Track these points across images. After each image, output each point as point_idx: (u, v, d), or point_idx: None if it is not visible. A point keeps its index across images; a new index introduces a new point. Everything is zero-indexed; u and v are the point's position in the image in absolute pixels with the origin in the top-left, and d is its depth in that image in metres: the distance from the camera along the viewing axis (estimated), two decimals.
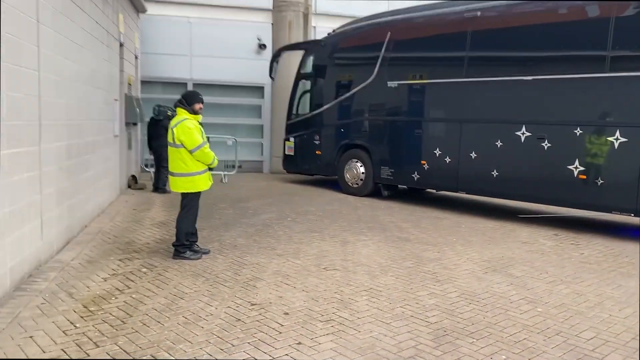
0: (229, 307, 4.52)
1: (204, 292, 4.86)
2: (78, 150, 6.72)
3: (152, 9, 13.39)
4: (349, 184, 11.55)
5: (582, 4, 8.13)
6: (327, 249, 6.72)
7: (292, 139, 12.57)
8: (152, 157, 11.07)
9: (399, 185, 11.20)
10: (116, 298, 4.63)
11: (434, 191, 11.73)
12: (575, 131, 7.96)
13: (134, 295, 4.70)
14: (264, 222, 8.21)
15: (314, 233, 7.61)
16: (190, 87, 14.80)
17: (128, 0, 10.87)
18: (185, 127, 5.74)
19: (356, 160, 11.37)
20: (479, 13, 9.23)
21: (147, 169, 12.54)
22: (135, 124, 11.47)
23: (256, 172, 15.41)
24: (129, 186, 10.88)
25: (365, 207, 10.06)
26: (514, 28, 8.88)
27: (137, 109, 10.80)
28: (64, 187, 6.10)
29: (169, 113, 9.71)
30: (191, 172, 5.85)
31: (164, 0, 14.16)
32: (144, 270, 5.50)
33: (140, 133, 12.65)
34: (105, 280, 5.10)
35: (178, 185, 5.93)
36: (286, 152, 12.79)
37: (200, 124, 6.04)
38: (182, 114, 5.88)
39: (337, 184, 11.94)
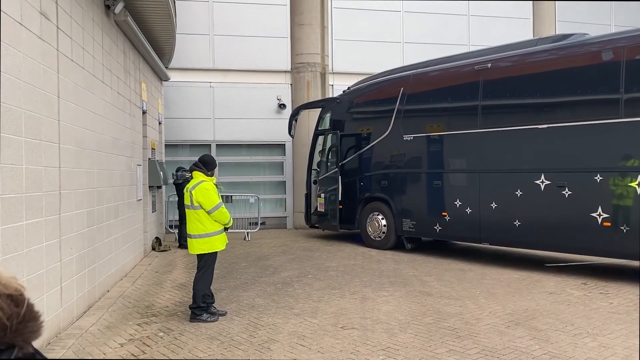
0: None
1: (218, 356, 4.83)
2: (99, 216, 6.92)
3: (175, 76, 13.99)
4: (372, 237, 11.49)
5: (590, 50, 8.19)
6: (346, 306, 6.63)
7: (322, 195, 12.55)
8: (176, 218, 11.37)
9: (423, 237, 11.09)
10: None
11: (459, 242, 11.56)
12: (595, 178, 7.83)
13: None
14: (284, 280, 8.18)
15: (334, 290, 7.54)
16: (213, 148, 15.22)
17: (151, 69, 11.40)
18: (204, 189, 5.92)
19: (377, 213, 11.36)
20: (489, 65, 9.37)
21: (171, 230, 12.75)
22: (159, 187, 11.77)
23: (280, 228, 15.48)
24: (153, 248, 11.04)
25: (388, 261, 9.95)
26: (524, 77, 8.96)
27: (161, 172, 11.10)
28: (85, 253, 6.25)
29: (188, 175, 9.99)
30: (209, 232, 5.96)
31: (187, 67, 14.80)
32: (161, 334, 5.52)
33: (165, 195, 12.94)
34: (122, 346, 5.13)
35: (195, 247, 6.02)
36: (318, 209, 12.75)
37: (216, 185, 6.21)
38: (199, 177, 6.07)
39: (360, 238, 11.88)
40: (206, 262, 6.07)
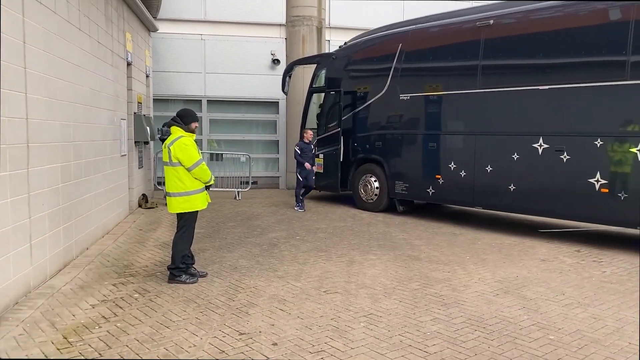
0: (215, 337, 4.27)
1: (192, 320, 4.63)
2: (77, 171, 6.62)
3: (164, 27, 13.44)
4: (364, 199, 11.26)
5: (597, 7, 7.74)
6: (331, 269, 6.44)
7: (320, 155, 12.08)
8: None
9: (415, 201, 10.86)
10: (100, 327, 4.43)
11: (452, 206, 11.34)
12: (596, 142, 7.52)
13: (118, 324, 4.50)
14: (270, 242, 7.98)
15: (321, 252, 7.34)
16: (204, 104, 14.81)
17: (137, 19, 10.87)
18: (183, 144, 5.60)
19: (370, 174, 11.08)
20: (491, 21, 8.90)
21: (159, 187, 12.48)
22: (146, 143, 11.43)
23: (272, 188, 15.24)
24: (140, 205, 10.80)
25: (379, 224, 9.74)
26: (528, 35, 8.51)
27: (147, 128, 10.74)
28: (59, 210, 5.99)
29: (166, 130, 9.63)
30: (188, 190, 5.68)
31: (177, 18, 14.21)
32: (136, 295, 5.31)
33: (153, 151, 12.60)
34: (93, 308, 4.92)
35: (174, 205, 5.75)
36: (316, 169, 12.30)
37: (195, 141, 5.88)
38: (177, 132, 5.74)
39: (352, 200, 11.65)
40: (186, 221, 5.81)
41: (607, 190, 7.47)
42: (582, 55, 7.84)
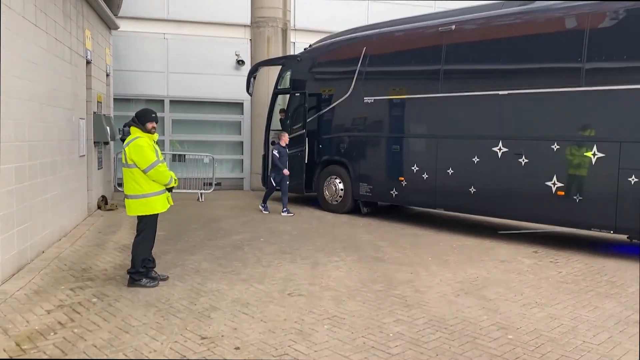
0: (176, 342, 4.20)
1: (153, 325, 4.53)
2: (32, 172, 6.40)
3: (125, 25, 13.15)
4: (328, 201, 11.29)
5: (554, 15, 7.99)
6: (295, 272, 6.42)
7: None
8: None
9: (379, 202, 10.95)
10: (55, 334, 4.29)
11: (415, 207, 11.49)
12: (553, 147, 7.75)
13: (75, 330, 4.37)
14: (234, 244, 7.90)
15: (285, 254, 7.31)
16: (167, 104, 14.56)
17: (97, 16, 10.60)
18: (137, 145, 5.47)
19: (335, 176, 11.12)
20: (453, 27, 9.07)
21: (119, 188, 12.18)
22: (106, 143, 11.16)
23: (237, 189, 15.11)
24: (99, 207, 10.53)
25: (343, 225, 9.78)
26: (488, 41, 8.71)
27: (107, 128, 10.49)
28: (12, 212, 5.77)
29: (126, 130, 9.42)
30: (145, 193, 5.54)
31: (139, 16, 13.93)
32: (94, 300, 5.17)
33: (113, 151, 12.31)
34: (49, 313, 4.76)
35: (132, 208, 5.62)
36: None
37: (157, 142, 5.77)
38: (135, 133, 5.61)
39: (317, 202, 11.65)
40: (145, 224, 5.68)
41: (563, 193, 7.70)
42: (540, 61, 8.07)
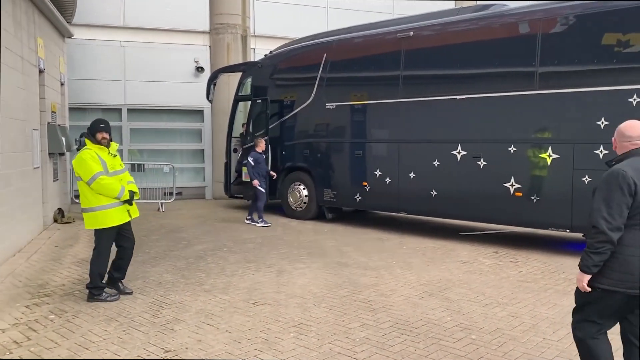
0: (139, 355, 4.10)
1: (114, 340, 4.41)
2: None
3: (80, 33, 12.81)
4: (293, 207, 11.26)
5: (508, 21, 8.23)
6: (260, 280, 6.37)
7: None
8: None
9: (343, 207, 11.00)
10: (11, 353, 4.12)
11: (379, 212, 11.58)
12: (510, 149, 7.96)
13: (32, 349, 4.21)
14: (197, 254, 7.77)
15: (250, 263, 7.24)
16: (124, 113, 14.25)
17: (49, 23, 10.30)
18: (80, 158, 5.35)
19: (299, 183, 11.11)
20: (411, 33, 9.22)
21: (76, 200, 11.82)
22: (62, 154, 10.82)
23: (198, 198, 14.89)
24: (56, 220, 10.19)
25: (308, 232, 9.77)
26: (445, 47, 8.89)
27: (63, 138, 10.18)
28: None
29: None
30: (93, 206, 5.39)
31: (94, 24, 13.61)
32: (52, 317, 4.99)
33: (69, 162, 11.95)
34: (4, 332, 4.57)
35: (85, 221, 5.48)
36: (243, 178, 11.97)
37: (115, 154, 5.63)
38: (87, 144, 5.47)
39: (281, 209, 11.61)
40: (98, 238, 5.52)
41: (521, 194, 7.91)
42: (496, 66, 8.29)
